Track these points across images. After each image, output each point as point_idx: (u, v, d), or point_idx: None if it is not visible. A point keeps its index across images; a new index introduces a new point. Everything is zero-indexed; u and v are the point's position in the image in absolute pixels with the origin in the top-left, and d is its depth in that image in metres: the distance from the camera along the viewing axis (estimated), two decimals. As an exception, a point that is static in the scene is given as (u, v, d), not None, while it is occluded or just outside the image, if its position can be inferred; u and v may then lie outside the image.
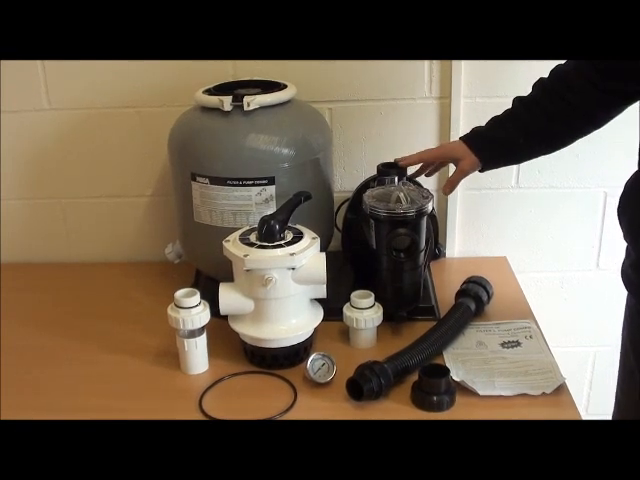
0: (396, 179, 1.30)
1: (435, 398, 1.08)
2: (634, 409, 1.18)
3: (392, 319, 1.28)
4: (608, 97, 1.13)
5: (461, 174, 1.29)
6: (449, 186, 1.32)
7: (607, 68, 1.10)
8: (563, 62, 1.21)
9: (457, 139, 1.32)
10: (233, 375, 1.19)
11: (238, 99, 1.26)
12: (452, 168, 1.35)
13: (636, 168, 1.11)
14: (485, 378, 1.14)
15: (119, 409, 1.12)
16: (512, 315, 1.33)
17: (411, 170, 1.38)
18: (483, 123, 1.52)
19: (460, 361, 1.19)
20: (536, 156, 1.28)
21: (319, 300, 1.24)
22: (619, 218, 1.14)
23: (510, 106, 1.27)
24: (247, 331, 1.19)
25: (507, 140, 1.25)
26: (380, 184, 1.32)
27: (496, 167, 1.31)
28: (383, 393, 1.10)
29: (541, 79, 1.23)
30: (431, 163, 1.37)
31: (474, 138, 1.29)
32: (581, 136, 1.21)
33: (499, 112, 1.51)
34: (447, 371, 1.11)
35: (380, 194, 1.26)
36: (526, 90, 1.24)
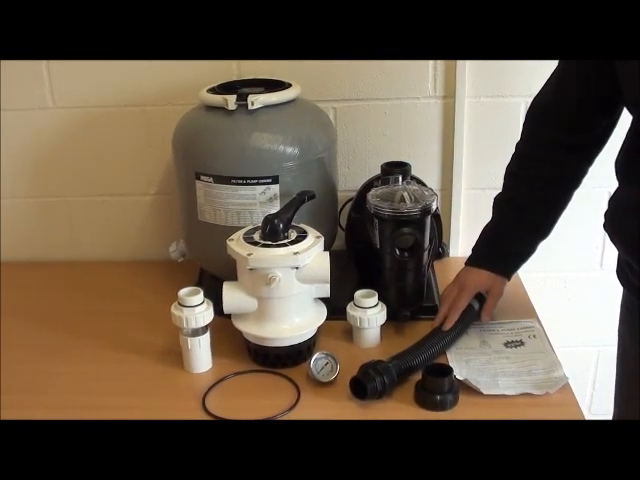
0: (400, 178, 1.30)
1: (438, 397, 1.08)
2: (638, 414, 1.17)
3: (396, 318, 1.28)
4: (574, 155, 1.18)
5: (497, 299, 1.28)
6: (488, 314, 1.28)
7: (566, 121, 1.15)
8: (520, 141, 1.25)
9: (468, 270, 1.29)
10: (236, 374, 1.20)
11: (242, 98, 1.27)
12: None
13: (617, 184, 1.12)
14: (488, 377, 1.14)
15: (122, 407, 1.12)
16: (515, 315, 1.33)
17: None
18: (485, 124, 1.53)
19: (464, 360, 1.19)
20: (549, 233, 1.28)
21: (323, 299, 1.24)
22: (611, 235, 1.12)
23: (496, 202, 1.28)
24: (251, 330, 1.19)
25: (515, 244, 1.26)
26: (384, 183, 1.32)
27: (518, 269, 1.31)
28: (387, 392, 1.10)
29: (509, 169, 1.26)
30: None
31: (489, 261, 1.28)
32: (573, 193, 1.24)
33: (502, 112, 1.52)
34: (450, 370, 1.11)
35: (384, 193, 1.26)
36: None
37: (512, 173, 1.25)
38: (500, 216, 1.27)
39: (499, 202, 1.27)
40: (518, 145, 1.25)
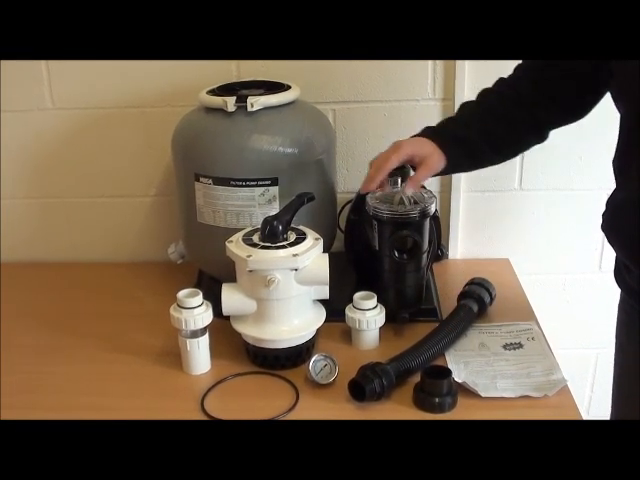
0: (399, 180, 1.30)
1: (437, 399, 1.08)
2: (637, 417, 1.17)
3: (394, 320, 1.28)
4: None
5: (429, 171, 1.19)
6: (414, 185, 1.20)
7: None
8: (518, 67, 1.22)
9: (409, 138, 1.23)
10: (235, 375, 1.19)
11: (242, 100, 1.27)
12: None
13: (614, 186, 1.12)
14: (487, 380, 1.14)
15: (121, 408, 1.12)
16: (514, 317, 1.33)
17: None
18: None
19: (462, 362, 1.19)
20: (492, 163, 1.26)
21: (322, 301, 1.24)
22: (608, 236, 1.12)
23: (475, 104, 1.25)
24: (249, 331, 1.19)
25: (465, 132, 1.21)
26: (383, 185, 1.32)
27: (455, 170, 1.28)
28: (385, 394, 1.10)
29: (490, 89, 1.24)
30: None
31: (435, 132, 1.21)
32: (533, 139, 1.23)
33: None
34: (449, 372, 1.11)
35: (383, 195, 1.26)
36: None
37: (492, 90, 1.23)
38: (460, 111, 1.25)
39: (466, 102, 1.25)
40: (516, 69, 1.23)
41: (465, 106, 1.26)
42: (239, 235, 1.21)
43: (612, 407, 1.30)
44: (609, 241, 1.12)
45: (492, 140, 1.21)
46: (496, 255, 1.65)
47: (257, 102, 1.26)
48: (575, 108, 1.19)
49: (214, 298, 1.19)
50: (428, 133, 1.23)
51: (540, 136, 1.23)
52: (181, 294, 1.18)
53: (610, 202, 1.12)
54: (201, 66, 1.46)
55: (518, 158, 1.55)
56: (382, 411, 1.09)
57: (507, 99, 1.21)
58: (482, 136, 1.20)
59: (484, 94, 1.25)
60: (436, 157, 1.19)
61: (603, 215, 1.13)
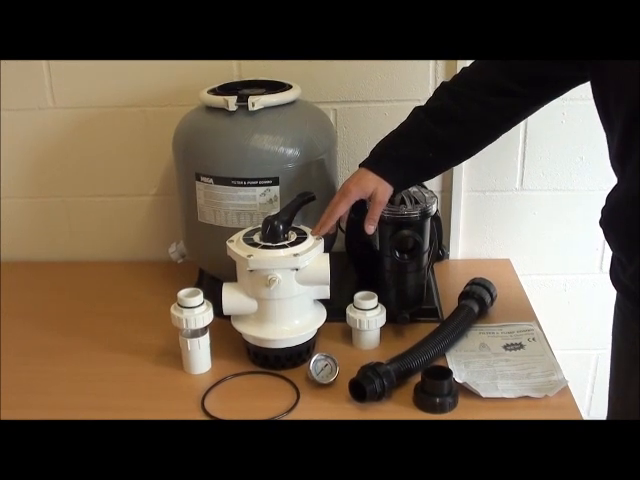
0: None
1: (438, 400, 1.08)
2: (632, 415, 1.17)
3: (395, 320, 1.28)
4: (519, 101, 1.15)
5: (381, 206, 1.20)
6: (372, 222, 1.20)
7: (520, 73, 1.12)
8: (469, 67, 1.20)
9: (359, 169, 1.23)
10: (236, 375, 1.19)
11: (243, 99, 1.27)
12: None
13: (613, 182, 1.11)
14: (488, 380, 1.14)
15: (121, 408, 1.12)
16: (515, 317, 1.33)
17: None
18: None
19: (463, 363, 1.19)
20: (447, 167, 1.26)
21: (322, 301, 1.24)
22: (605, 231, 1.11)
23: (411, 116, 1.22)
24: (250, 331, 1.19)
25: (416, 157, 1.19)
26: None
27: (407, 187, 1.26)
28: (386, 394, 1.10)
29: (444, 85, 1.21)
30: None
31: (380, 163, 1.21)
32: (492, 140, 1.20)
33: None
34: (450, 373, 1.11)
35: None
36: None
37: (445, 87, 1.21)
38: (410, 119, 1.22)
39: (416, 108, 1.22)
40: (466, 73, 1.20)
41: (413, 112, 1.23)
42: (240, 235, 1.21)
43: (608, 406, 1.30)
44: (606, 237, 1.12)
45: (444, 144, 1.19)
46: (497, 255, 1.65)
47: (258, 102, 1.26)
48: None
49: (215, 298, 1.19)
50: (370, 162, 1.22)
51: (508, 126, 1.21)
52: (182, 293, 1.18)
53: (609, 198, 1.12)
54: (202, 65, 1.46)
55: (519, 158, 1.55)
56: (383, 411, 1.09)
57: (461, 95, 1.18)
58: (426, 147, 1.19)
59: (436, 95, 1.22)
60: (381, 190, 1.20)
61: (602, 211, 1.13)
